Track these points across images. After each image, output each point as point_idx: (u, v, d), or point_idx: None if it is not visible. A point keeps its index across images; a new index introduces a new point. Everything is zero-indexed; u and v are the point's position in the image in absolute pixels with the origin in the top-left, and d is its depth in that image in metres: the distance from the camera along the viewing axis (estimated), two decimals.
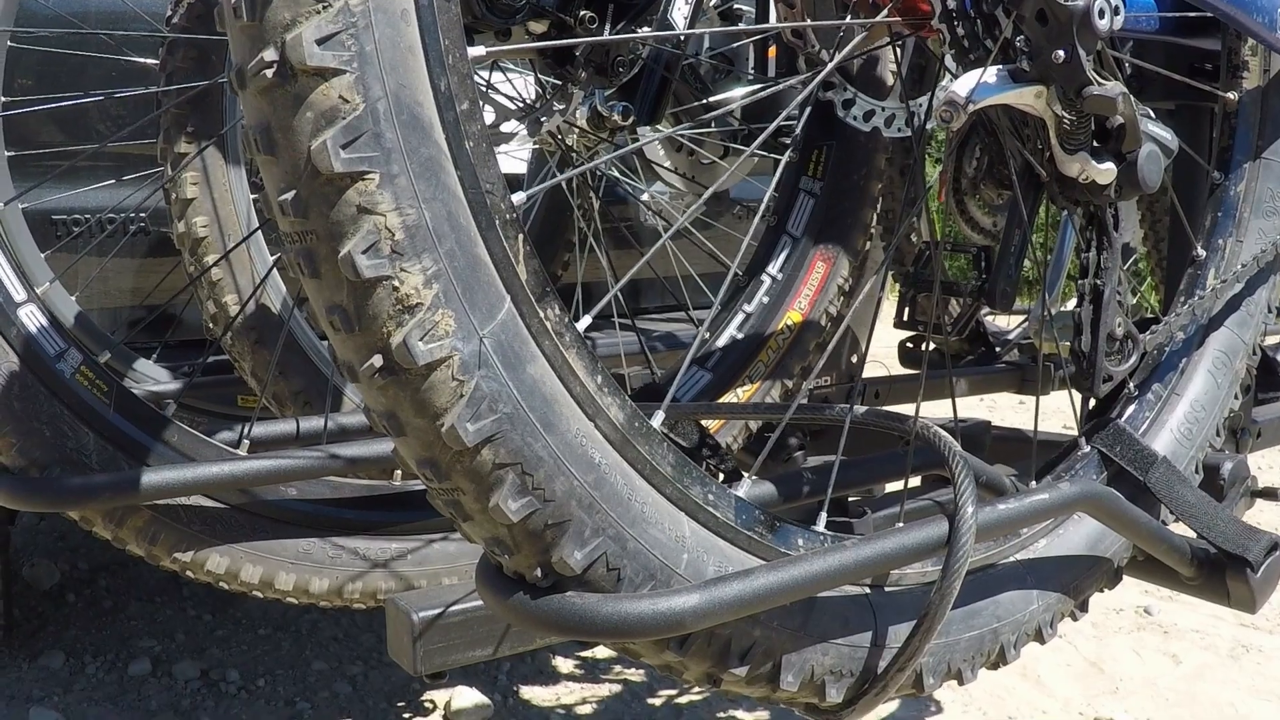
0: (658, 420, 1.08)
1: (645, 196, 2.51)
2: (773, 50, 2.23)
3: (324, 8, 0.87)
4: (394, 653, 1.36)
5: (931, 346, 2.73)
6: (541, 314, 0.97)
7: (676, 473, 1.07)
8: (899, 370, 2.73)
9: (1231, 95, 1.76)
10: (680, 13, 1.68)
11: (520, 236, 0.97)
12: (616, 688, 2.82)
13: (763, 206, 1.38)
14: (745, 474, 1.18)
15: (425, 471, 0.97)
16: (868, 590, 1.23)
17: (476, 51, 1.02)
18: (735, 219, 2.05)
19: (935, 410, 2.24)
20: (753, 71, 2.30)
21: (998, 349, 2.77)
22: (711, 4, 1.94)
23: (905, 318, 2.21)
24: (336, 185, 0.88)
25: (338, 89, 0.87)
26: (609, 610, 0.99)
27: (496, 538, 0.99)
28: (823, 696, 1.20)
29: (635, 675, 2.86)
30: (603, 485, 0.99)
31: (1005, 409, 4.93)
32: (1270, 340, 2.91)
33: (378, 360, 0.91)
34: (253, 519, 1.66)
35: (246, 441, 1.72)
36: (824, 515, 1.23)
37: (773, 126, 1.17)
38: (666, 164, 2.25)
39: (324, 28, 0.87)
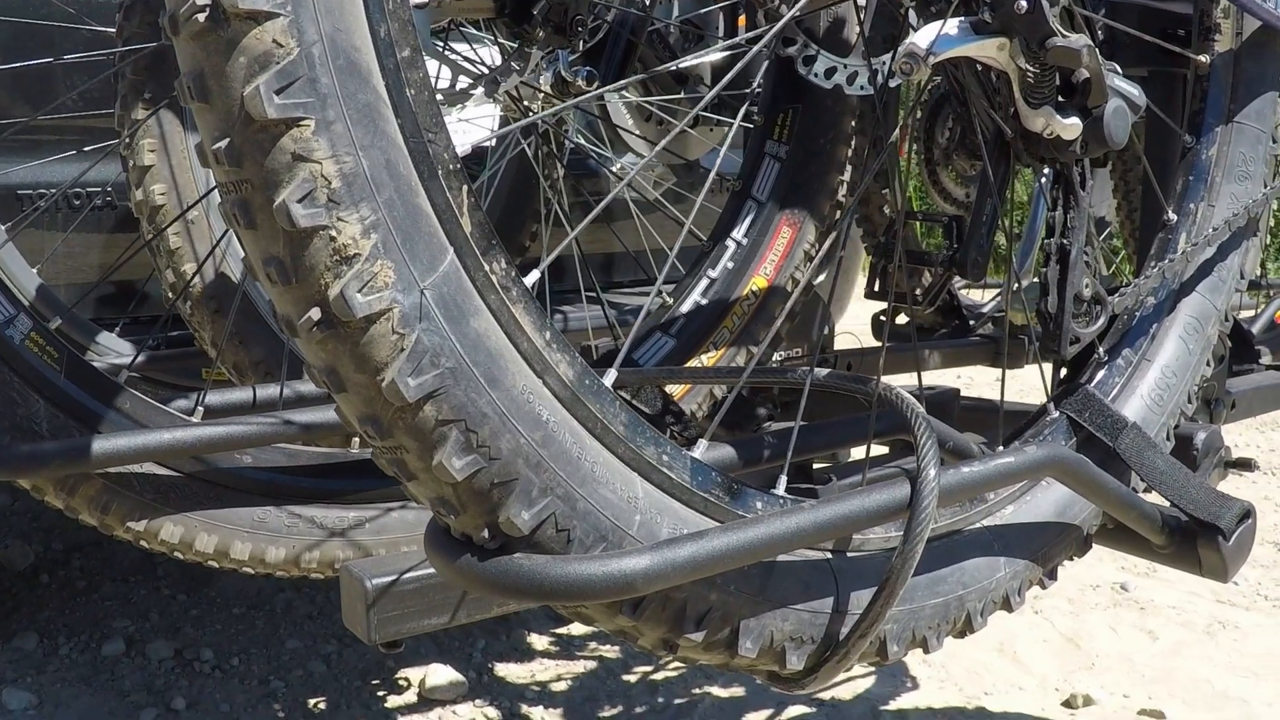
0: (609, 379, 1.06)
1: (616, 168, 2.49)
2: (743, 19, 2.20)
3: None
4: (348, 621, 1.33)
5: (903, 319, 2.72)
6: (487, 267, 0.95)
7: (629, 432, 1.04)
8: (873, 343, 2.72)
9: (1203, 58, 1.74)
10: None
11: (465, 188, 0.94)
12: (592, 664, 2.80)
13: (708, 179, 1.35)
14: (701, 438, 1.15)
15: (367, 429, 0.94)
16: (829, 555, 1.21)
17: None
18: (711, 192, 2.02)
19: (910, 382, 2.23)
20: (722, 39, 2.28)
21: (971, 322, 2.75)
22: None
23: (876, 289, 2.19)
24: (270, 132, 0.85)
25: (271, 33, 0.85)
26: (557, 572, 0.97)
27: (441, 497, 0.96)
28: (783, 664, 1.18)
29: (611, 652, 2.84)
30: (551, 443, 0.97)
31: (982, 385, 4.92)
32: (1245, 313, 2.91)
33: (316, 313, 0.89)
34: (207, 487, 1.63)
35: (201, 409, 1.69)
36: (783, 479, 1.21)
37: (724, 81, 1.13)
38: (636, 133, 2.22)
39: None
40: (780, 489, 1.21)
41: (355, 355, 0.90)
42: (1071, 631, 3.06)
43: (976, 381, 5.09)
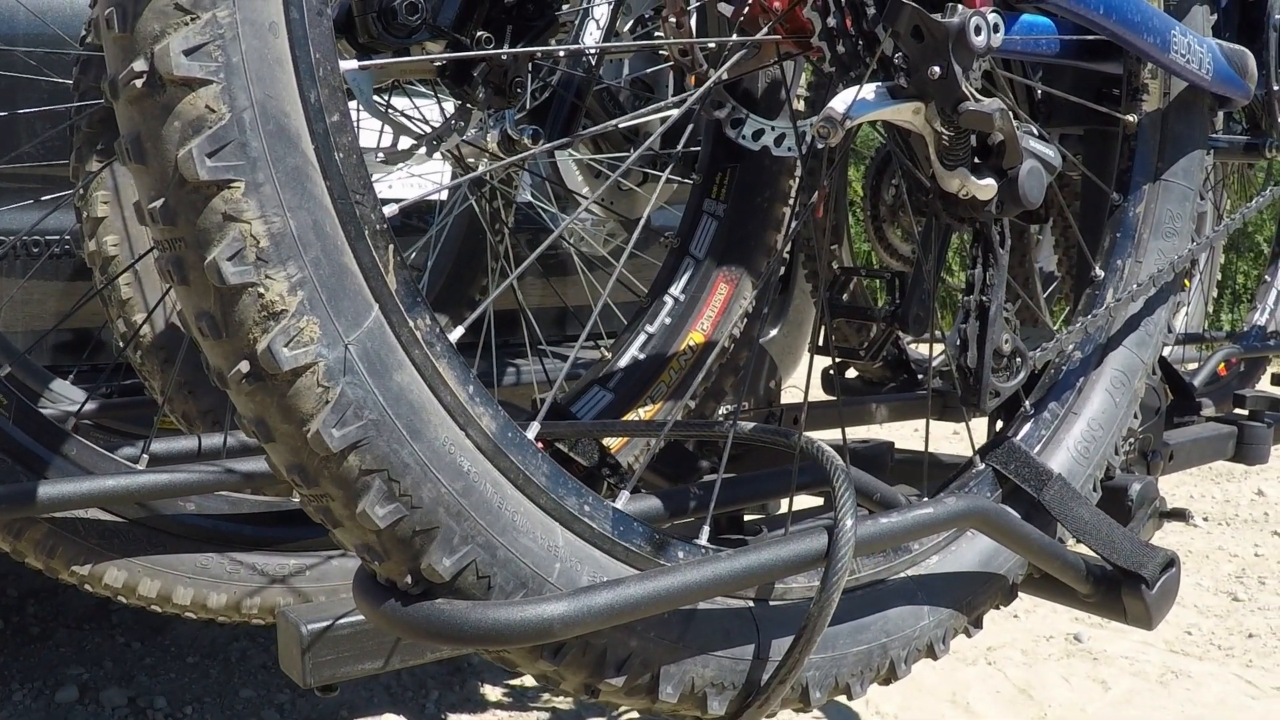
0: (532, 431, 1.09)
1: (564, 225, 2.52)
2: (693, 78, 2.24)
3: (192, 20, 0.88)
4: (285, 665, 1.35)
5: (853, 373, 2.76)
6: (411, 323, 0.98)
7: (551, 483, 1.08)
8: (823, 397, 2.76)
9: (1131, 118, 1.78)
10: (592, 38, 1.70)
11: (391, 247, 0.98)
12: (544, 715, 2.82)
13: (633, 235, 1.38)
14: (623, 489, 1.18)
15: (294, 478, 0.98)
16: (751, 603, 1.24)
17: (349, 65, 1.03)
18: (661, 248, 2.06)
19: (861, 436, 2.27)
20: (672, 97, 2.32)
21: (919, 376, 2.79)
22: (626, 29, 1.95)
23: (821, 343, 2.23)
24: (203, 193, 0.89)
25: (204, 99, 0.88)
26: (477, 617, 1.00)
27: (366, 544, 1.00)
28: (705, 709, 1.20)
29: (563, 703, 2.85)
30: (471, 493, 1.00)
31: (939, 438, 4.96)
32: (1191, 365, 2.95)
33: (245, 366, 0.92)
34: (151, 533, 1.66)
35: (146, 457, 1.72)
36: (706, 529, 1.24)
37: (644, 147, 1.18)
38: (584, 192, 2.26)
39: (191, 39, 0.88)
40: (703, 539, 1.24)
41: (282, 407, 0.93)
42: (1024, 682, 3.09)
43: (934, 435, 5.12)
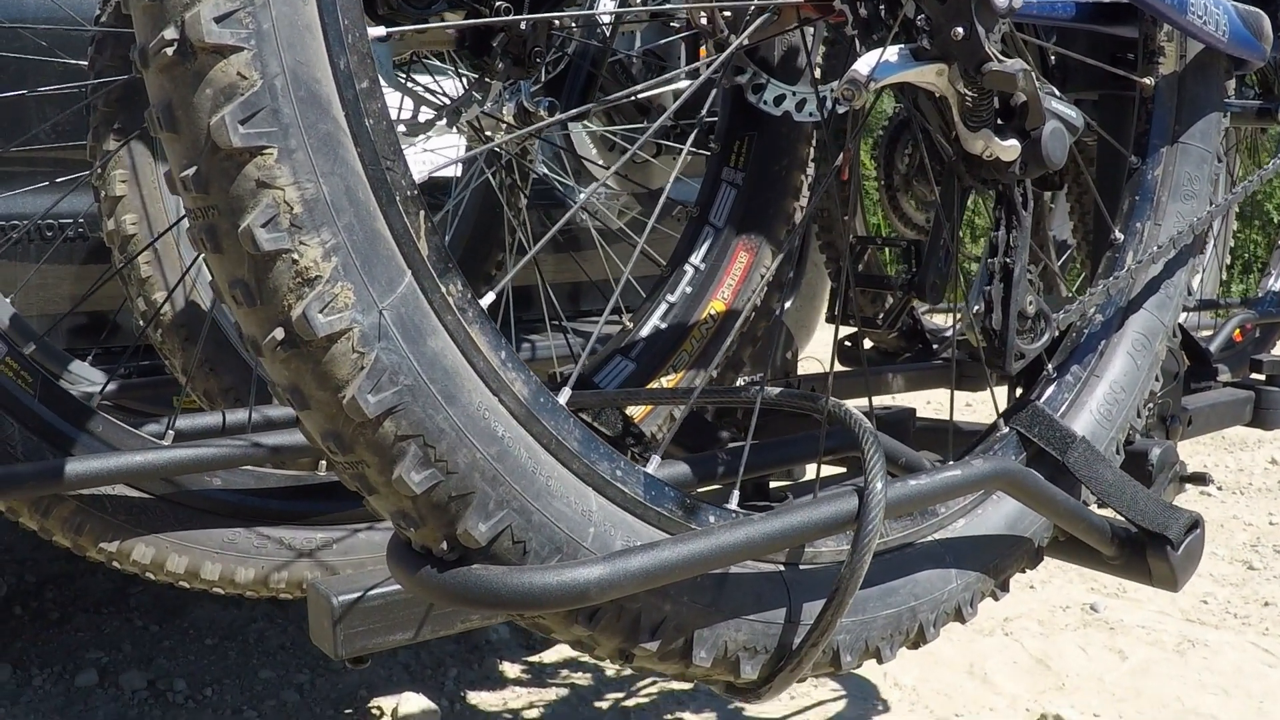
0: (564, 397, 1.09)
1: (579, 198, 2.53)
2: (711, 45, 2.24)
3: None
4: (315, 638, 1.36)
5: (869, 343, 2.76)
6: (444, 289, 0.98)
7: (583, 448, 1.08)
8: (839, 368, 2.75)
9: (1148, 81, 1.78)
10: (606, 7, 1.70)
11: (422, 213, 0.98)
12: (564, 691, 2.82)
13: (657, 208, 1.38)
14: (654, 454, 1.19)
15: (329, 444, 0.98)
16: (781, 567, 1.25)
17: (376, 31, 1.03)
18: (676, 221, 2.06)
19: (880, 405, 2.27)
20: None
21: (935, 345, 2.79)
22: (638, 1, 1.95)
23: (837, 312, 2.23)
24: (236, 160, 0.89)
25: (236, 65, 0.88)
26: (513, 582, 1.00)
27: (402, 511, 1.00)
28: (738, 673, 1.21)
29: (583, 679, 2.86)
30: (506, 458, 1.00)
31: (955, 408, 4.95)
32: (1205, 332, 2.95)
33: (279, 333, 0.92)
34: (178, 509, 1.67)
35: (171, 432, 1.72)
36: (735, 494, 1.24)
37: (666, 115, 1.18)
38: (599, 164, 2.26)
39: (222, 5, 0.88)
40: (733, 503, 1.24)
41: (317, 373, 0.93)
42: (1041, 652, 3.09)
43: (947, 405, 5.11)
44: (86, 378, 2.31)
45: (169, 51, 0.89)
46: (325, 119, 0.92)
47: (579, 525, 1.06)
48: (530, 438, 1.03)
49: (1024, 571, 1.55)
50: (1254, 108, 2.39)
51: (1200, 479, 2.10)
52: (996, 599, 1.51)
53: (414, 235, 0.97)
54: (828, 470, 1.86)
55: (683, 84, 1.77)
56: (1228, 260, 4.14)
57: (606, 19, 1.74)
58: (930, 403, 4.93)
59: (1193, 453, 5.17)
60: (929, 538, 1.41)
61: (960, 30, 1.21)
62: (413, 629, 1.37)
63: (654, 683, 2.80)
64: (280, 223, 0.90)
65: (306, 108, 0.91)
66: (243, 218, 0.90)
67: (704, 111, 1.83)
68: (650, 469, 1.16)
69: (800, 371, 2.64)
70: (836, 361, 2.75)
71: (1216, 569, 3.77)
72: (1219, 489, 4.69)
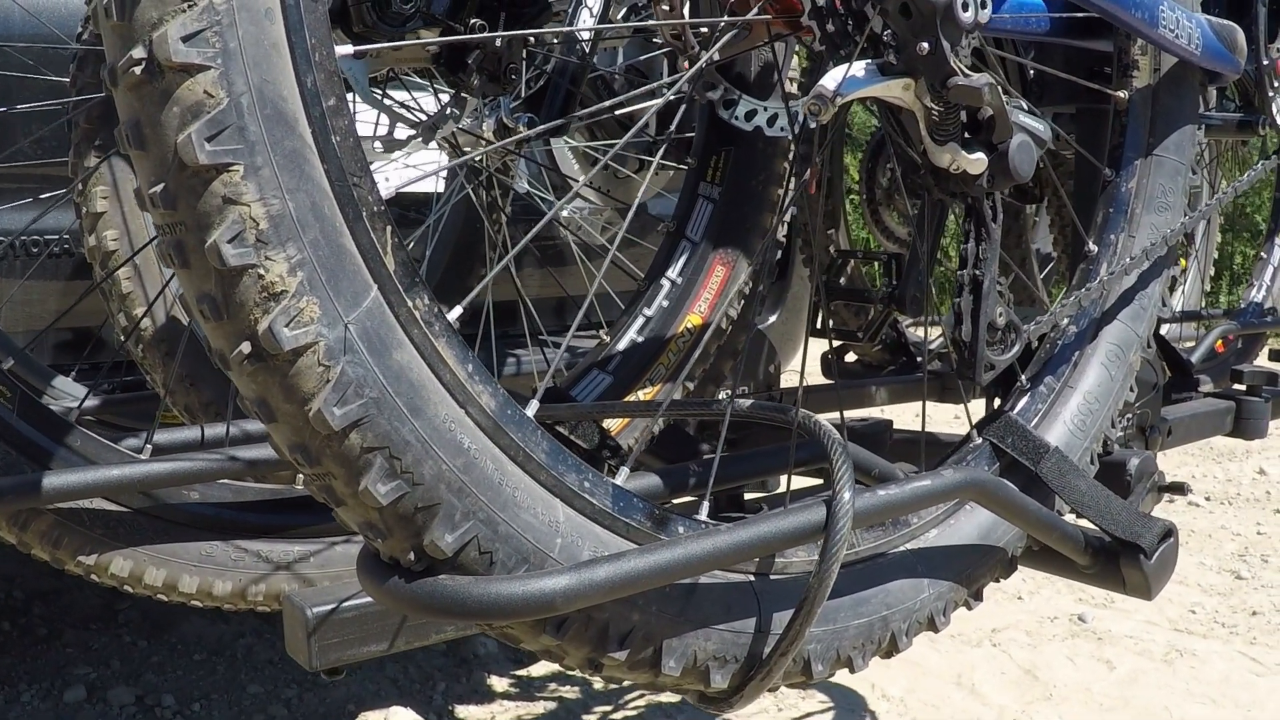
0: (532, 409, 1.10)
1: (564, 213, 2.54)
2: (686, 60, 2.25)
3: (189, 6, 0.89)
4: (291, 650, 1.37)
5: (852, 356, 2.77)
6: (410, 303, 1.00)
7: (551, 459, 1.09)
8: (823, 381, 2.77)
9: (1122, 94, 1.79)
10: (586, 24, 1.71)
11: (389, 229, 0.99)
12: (552, 705, 2.83)
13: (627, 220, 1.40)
14: (623, 466, 1.20)
15: (297, 457, 0.99)
16: (752, 577, 1.26)
17: (344, 50, 1.04)
18: (659, 235, 2.07)
19: (861, 417, 2.28)
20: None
21: (919, 358, 2.80)
22: (620, 16, 1.96)
23: (819, 326, 2.24)
24: (202, 177, 0.91)
25: (202, 84, 0.90)
26: (479, 592, 1.01)
27: (369, 522, 1.01)
28: (708, 682, 1.22)
29: (570, 693, 2.87)
30: (472, 469, 1.02)
31: (940, 422, 4.96)
32: (1188, 343, 2.97)
33: (246, 347, 0.94)
34: (155, 522, 1.68)
35: (149, 446, 1.73)
36: (705, 505, 1.25)
37: (633, 131, 1.19)
38: (580, 179, 2.27)
39: (189, 25, 0.89)
40: (703, 514, 1.25)
41: (284, 386, 0.94)
42: (1029, 663, 3.10)
43: (935, 419, 5.13)
44: (70, 393, 2.32)
45: (137, 70, 0.90)
46: (291, 136, 0.93)
47: (546, 536, 1.07)
48: (497, 449, 1.04)
49: (998, 581, 1.56)
50: (1234, 120, 2.41)
51: (1179, 489, 2.12)
52: (970, 608, 1.52)
53: (380, 250, 0.98)
54: (807, 482, 1.87)
55: (655, 101, 1.78)
56: (1211, 272, 4.15)
57: (586, 35, 1.75)
58: (918, 415, 4.94)
59: (1181, 463, 5.19)
60: (901, 547, 1.42)
61: (925, 45, 1.22)
62: (387, 640, 1.38)
63: (641, 695, 2.81)
64: (246, 238, 0.91)
65: (273, 125, 0.92)
66: (209, 233, 0.91)
67: (673, 127, 1.84)
68: (619, 480, 1.17)
69: (784, 385, 2.66)
70: (823, 375, 2.77)
71: (1204, 579, 3.78)
72: (1207, 499, 4.71)
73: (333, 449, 0.96)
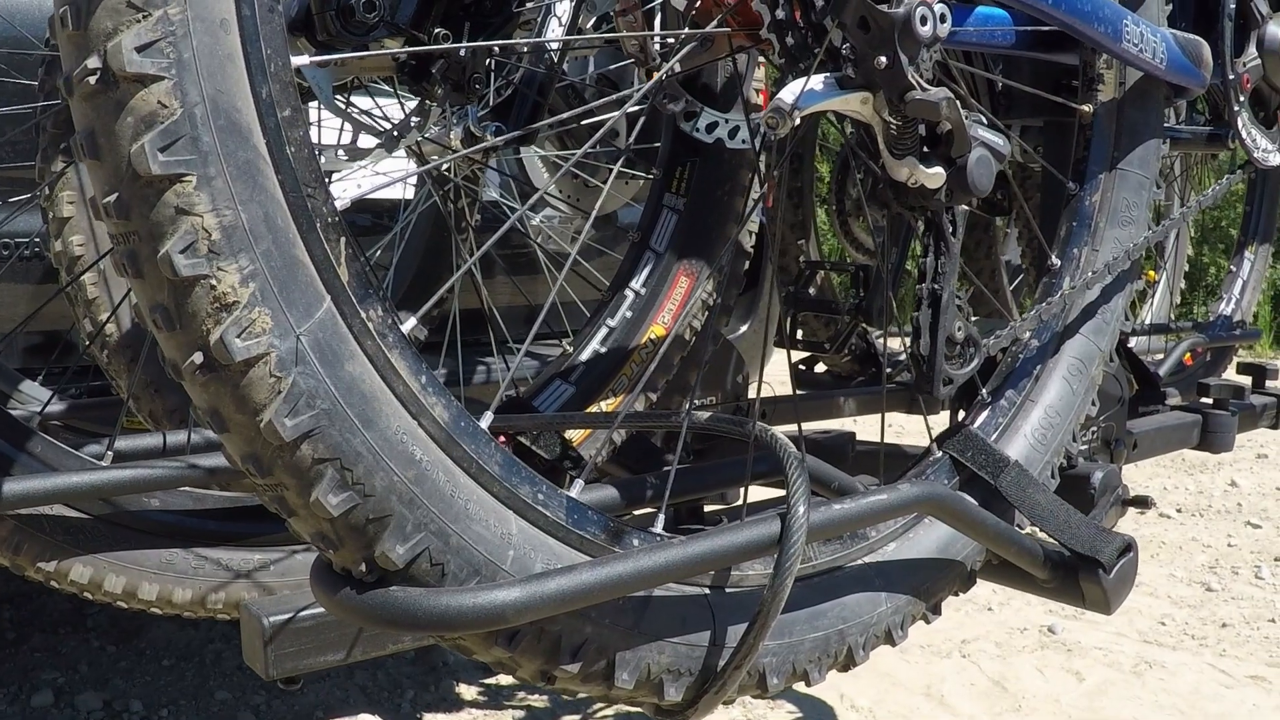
0: (485, 421, 1.11)
1: (534, 222, 2.54)
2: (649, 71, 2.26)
3: (144, 17, 0.90)
4: (248, 658, 1.37)
5: (822, 367, 2.77)
6: (364, 314, 1.00)
7: (504, 472, 1.09)
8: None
9: (1086, 108, 1.80)
10: (554, 34, 1.71)
11: (343, 240, 0.99)
12: (520, 714, 2.83)
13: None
14: (577, 479, 1.20)
15: (249, 467, 0.99)
16: (706, 590, 1.26)
17: (301, 60, 1.04)
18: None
19: (832, 428, 2.28)
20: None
21: (888, 369, 2.81)
22: (590, 26, 1.96)
23: (780, 337, 2.24)
24: (155, 187, 0.91)
25: (156, 94, 0.90)
26: (430, 603, 1.01)
27: (320, 532, 1.01)
28: (662, 695, 1.22)
29: (539, 702, 2.87)
30: (424, 481, 1.02)
31: (911, 433, 4.98)
32: (1157, 356, 2.98)
33: (198, 357, 0.94)
34: (116, 529, 1.67)
35: (110, 453, 1.73)
36: (661, 518, 1.26)
37: (593, 140, 1.19)
38: (551, 189, 2.27)
39: (143, 35, 0.89)
40: (659, 527, 1.25)
41: (235, 397, 0.95)
42: (998, 674, 3.11)
43: (907, 430, 5.15)
44: (36, 397, 2.32)
45: (92, 80, 0.90)
46: (245, 147, 0.93)
47: (498, 548, 1.07)
48: (450, 461, 1.05)
49: (957, 594, 1.57)
50: (1203, 134, 2.42)
51: (1143, 502, 2.12)
52: (928, 622, 1.53)
53: (334, 261, 0.98)
54: (770, 493, 1.88)
55: (615, 112, 1.78)
56: (1182, 284, 4.17)
57: (554, 45, 1.75)
58: (891, 425, 4.95)
59: (1153, 475, 5.21)
60: (859, 561, 1.42)
61: (883, 59, 1.23)
62: (344, 650, 1.38)
63: (609, 704, 2.81)
64: (199, 249, 0.91)
65: (226, 136, 0.92)
66: (162, 243, 0.91)
67: (631, 139, 1.84)
68: (573, 493, 1.17)
69: (751, 395, 2.66)
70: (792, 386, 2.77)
71: (1175, 590, 3.79)
72: (1178, 511, 4.72)
73: (284, 460, 0.96)
